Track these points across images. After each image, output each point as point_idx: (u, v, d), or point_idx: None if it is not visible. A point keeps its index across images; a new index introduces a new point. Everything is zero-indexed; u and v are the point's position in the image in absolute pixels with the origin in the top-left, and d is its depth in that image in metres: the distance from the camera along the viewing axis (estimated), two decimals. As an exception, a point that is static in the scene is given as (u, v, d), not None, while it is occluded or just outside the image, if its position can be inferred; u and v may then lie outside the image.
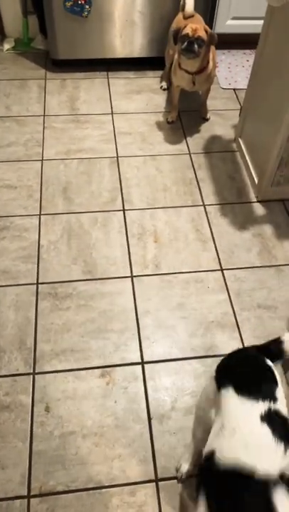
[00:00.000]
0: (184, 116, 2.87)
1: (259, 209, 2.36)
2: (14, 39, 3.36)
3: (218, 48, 3.24)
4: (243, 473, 0.87)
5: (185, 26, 2.36)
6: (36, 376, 1.73)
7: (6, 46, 3.31)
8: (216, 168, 2.56)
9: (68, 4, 2.78)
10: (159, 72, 3.14)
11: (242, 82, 3.15)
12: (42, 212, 2.28)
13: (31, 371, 1.74)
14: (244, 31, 3.18)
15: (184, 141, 2.72)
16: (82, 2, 2.77)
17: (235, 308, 1.96)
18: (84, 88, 3.04)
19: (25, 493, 1.47)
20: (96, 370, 1.76)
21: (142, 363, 1.78)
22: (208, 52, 2.46)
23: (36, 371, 1.74)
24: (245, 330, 1.90)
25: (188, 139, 2.74)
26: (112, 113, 2.86)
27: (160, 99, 2.99)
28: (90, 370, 1.75)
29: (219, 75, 3.20)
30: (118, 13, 2.89)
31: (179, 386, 1.73)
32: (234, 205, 2.37)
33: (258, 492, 0.84)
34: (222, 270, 2.09)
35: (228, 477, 0.89)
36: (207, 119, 2.86)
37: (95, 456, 1.55)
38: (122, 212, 2.30)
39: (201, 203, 2.37)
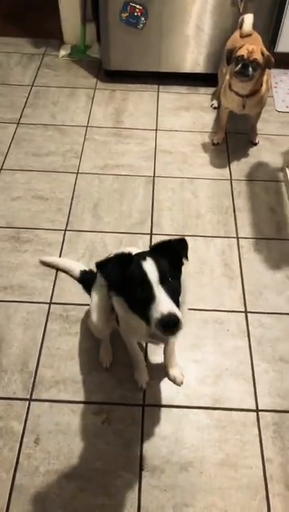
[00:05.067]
0: (231, 138, 2.72)
1: (297, 248, 2.17)
2: (71, 46, 3.35)
3: (279, 67, 3.09)
4: None
5: (241, 46, 2.21)
6: (32, 403, 1.67)
7: (62, 53, 3.31)
8: (257, 198, 2.39)
9: (124, 15, 2.72)
10: (212, 89, 3.00)
11: (300, 106, 2.95)
12: (68, 228, 2.22)
13: (28, 397, 1.68)
14: (309, 52, 2.98)
15: (227, 165, 2.57)
16: (139, 14, 2.70)
17: (253, 358, 1.80)
18: (132, 101, 2.96)
19: (0, 530, 1.41)
20: (94, 405, 1.66)
21: (143, 405, 1.67)
22: (263, 75, 2.30)
23: (33, 397, 1.68)
24: (260, 384, 1.73)
25: (232, 163, 2.58)
26: (156, 129, 2.76)
27: (209, 118, 2.86)
28: (88, 405, 1.66)
29: (276, 97, 3.01)
30: (175, 26, 2.79)
31: (179, 437, 1.60)
32: (270, 240, 2.20)
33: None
34: (246, 313, 1.93)
35: None
36: (255, 144, 2.69)
37: (78, 502, 1.46)
38: (149, 236, 2.20)
39: (235, 235, 2.22)
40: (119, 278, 1.09)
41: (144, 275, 1.05)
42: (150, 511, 1.45)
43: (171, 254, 1.12)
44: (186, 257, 1.16)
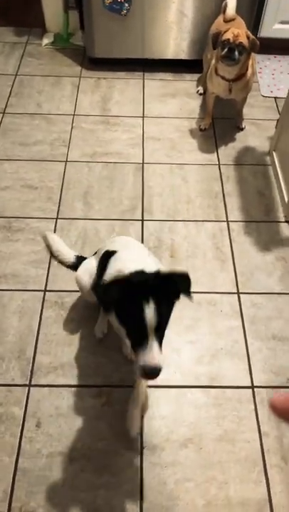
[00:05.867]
0: (218, 123, 2.74)
1: (286, 230, 2.21)
2: (54, 34, 3.31)
3: (262, 52, 3.11)
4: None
5: (226, 30, 2.23)
6: (31, 389, 1.68)
7: (45, 41, 3.27)
8: (246, 182, 2.43)
9: (107, 1, 2.70)
10: (197, 76, 3.01)
11: (285, 91, 2.97)
12: (59, 216, 2.23)
13: (27, 383, 1.70)
14: (292, 37, 3.01)
15: (215, 150, 2.60)
16: (122, 0, 2.68)
17: (247, 337, 1.84)
18: (118, 88, 2.96)
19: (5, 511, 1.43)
20: (93, 388, 1.69)
21: (142, 386, 1.70)
22: (248, 59, 2.32)
23: (32, 383, 1.70)
24: (255, 361, 1.77)
25: (219, 148, 2.61)
26: (143, 116, 2.77)
27: (195, 104, 2.87)
28: (87, 388, 1.69)
29: (261, 82, 3.04)
30: (158, 12, 2.78)
31: (177, 416, 1.63)
32: (260, 223, 2.24)
33: None
34: (238, 294, 1.97)
35: None
36: (242, 129, 2.72)
37: (81, 481, 1.49)
38: (140, 222, 2.22)
39: (225, 219, 2.25)
40: (117, 306, 1.13)
41: (142, 320, 1.07)
42: (152, 487, 1.49)
43: (171, 285, 1.13)
44: (189, 293, 1.15)
